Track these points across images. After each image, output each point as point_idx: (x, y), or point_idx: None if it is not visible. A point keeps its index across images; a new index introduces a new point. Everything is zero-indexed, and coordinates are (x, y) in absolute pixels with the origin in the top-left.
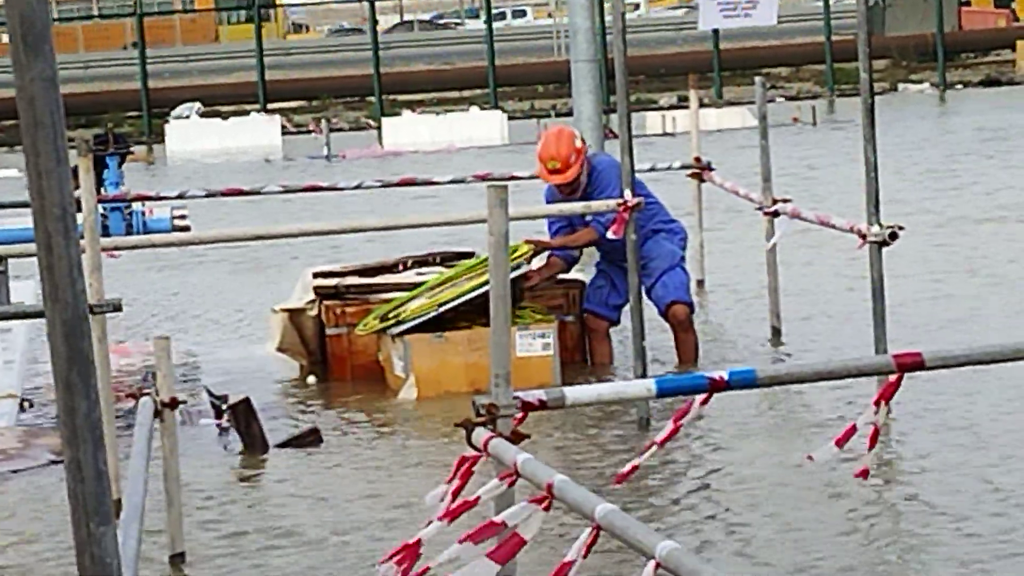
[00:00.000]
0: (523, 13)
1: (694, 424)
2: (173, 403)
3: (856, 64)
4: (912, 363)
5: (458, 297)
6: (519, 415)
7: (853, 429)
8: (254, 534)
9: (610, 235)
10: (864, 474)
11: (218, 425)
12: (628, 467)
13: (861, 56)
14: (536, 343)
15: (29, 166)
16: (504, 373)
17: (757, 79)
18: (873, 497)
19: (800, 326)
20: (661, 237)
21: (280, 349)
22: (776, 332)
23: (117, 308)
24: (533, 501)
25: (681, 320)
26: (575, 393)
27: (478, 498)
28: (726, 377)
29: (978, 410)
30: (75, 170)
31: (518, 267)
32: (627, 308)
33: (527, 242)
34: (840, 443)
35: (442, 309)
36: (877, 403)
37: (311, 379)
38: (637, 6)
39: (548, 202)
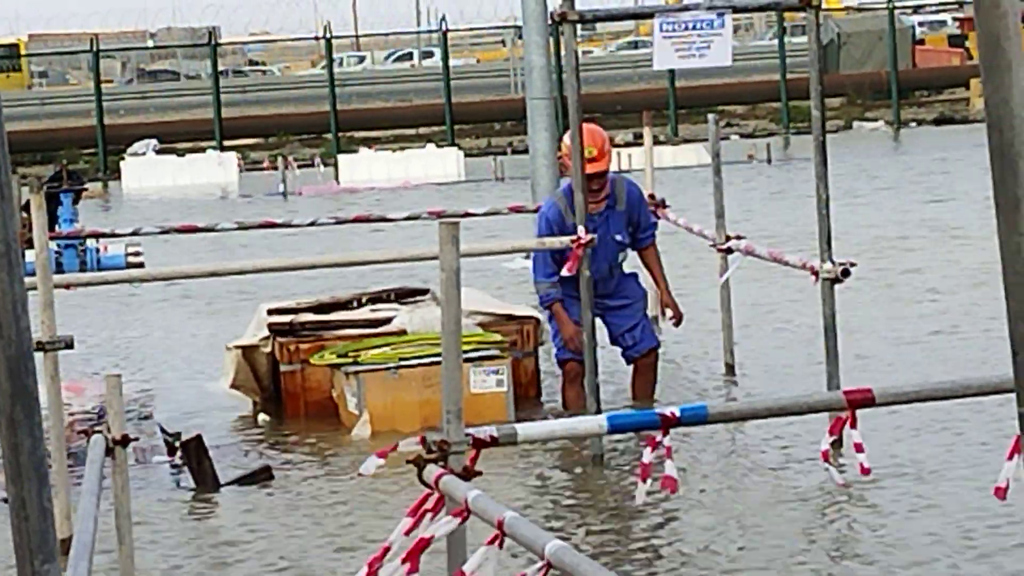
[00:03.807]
0: (430, 54)
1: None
2: (124, 441)
3: (811, 102)
4: (863, 400)
5: (420, 357)
6: (471, 452)
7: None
8: (204, 572)
9: (564, 272)
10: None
11: (171, 462)
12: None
13: (813, 95)
14: (490, 379)
15: None
16: (456, 410)
17: (710, 116)
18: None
19: (754, 362)
20: (639, 277)
21: (234, 386)
22: (730, 368)
23: (69, 345)
24: (488, 543)
25: (653, 362)
26: (527, 430)
27: (432, 537)
28: (678, 413)
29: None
30: (26, 205)
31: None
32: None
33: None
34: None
35: (401, 364)
36: (832, 433)
37: (263, 417)
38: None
39: (551, 219)
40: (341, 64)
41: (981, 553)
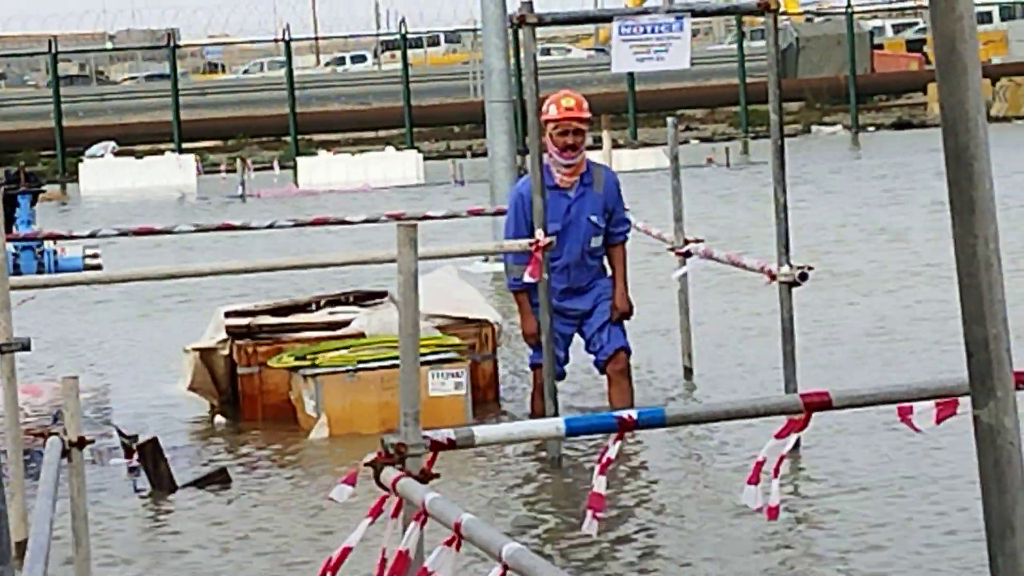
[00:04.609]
0: (363, 58)
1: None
2: (81, 443)
3: (769, 107)
4: (819, 402)
5: (378, 359)
6: (429, 454)
7: (759, 465)
8: (160, 574)
9: (527, 278)
10: (772, 513)
11: (128, 464)
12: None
13: (772, 100)
14: (448, 382)
15: None
16: (413, 412)
17: (669, 120)
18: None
19: (712, 365)
20: (609, 279)
21: (191, 388)
22: (688, 371)
23: (26, 347)
24: (445, 543)
25: (623, 367)
26: (484, 432)
27: (407, 551)
28: (635, 416)
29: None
30: None
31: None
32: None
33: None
34: (752, 480)
35: (359, 367)
36: (779, 436)
37: (220, 419)
38: (548, 51)
39: (524, 194)
40: (344, 63)
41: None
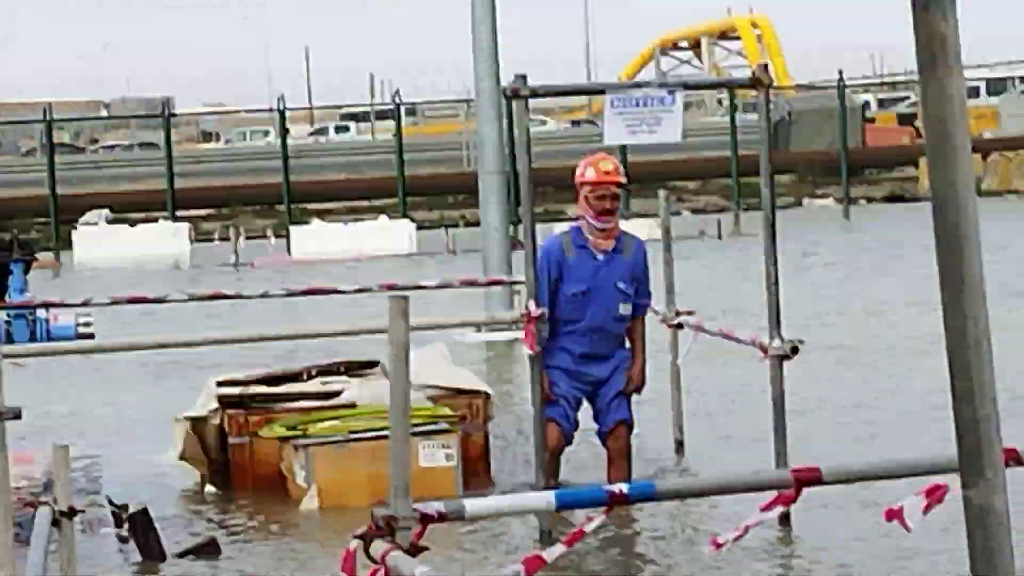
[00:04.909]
0: (346, 128)
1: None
2: (71, 512)
3: (760, 181)
4: (810, 478)
5: (369, 430)
6: (418, 528)
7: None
8: None
9: (525, 349)
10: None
11: (118, 534)
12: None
13: (763, 175)
14: (439, 454)
15: None
16: (403, 485)
17: (661, 192)
18: None
19: (703, 438)
20: (627, 351)
21: (182, 457)
22: (679, 444)
23: (17, 416)
24: None
25: (623, 445)
26: (475, 505)
27: None
28: (626, 490)
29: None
30: None
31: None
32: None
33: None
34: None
35: (352, 437)
36: (765, 509)
37: (210, 489)
38: (544, 122)
39: (550, 251)
40: (326, 133)
41: None
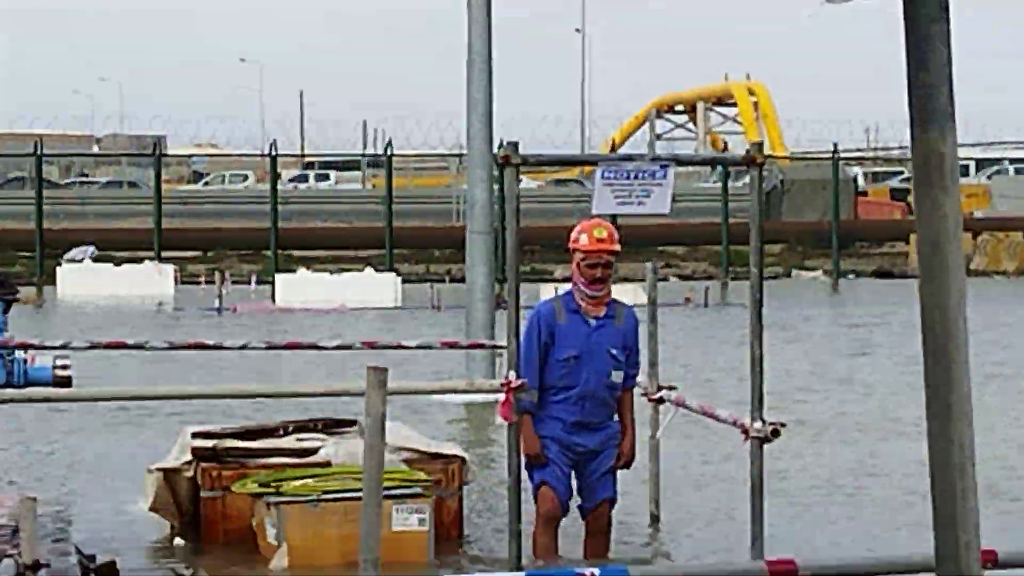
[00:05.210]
0: (326, 177)
1: None
2: (36, 566)
3: (750, 260)
4: (784, 571)
5: (343, 491)
6: None
7: None
8: None
9: (499, 419)
10: None
11: None
12: None
13: (752, 254)
14: (412, 518)
15: None
16: (373, 558)
17: (648, 265)
18: None
19: (679, 512)
20: (618, 424)
21: (153, 508)
22: (655, 518)
23: None
24: None
25: (604, 524)
26: None
27: None
28: (597, 573)
29: None
30: None
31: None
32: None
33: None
34: None
35: (324, 497)
36: None
37: (179, 541)
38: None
39: (543, 314)
40: (307, 180)
41: None
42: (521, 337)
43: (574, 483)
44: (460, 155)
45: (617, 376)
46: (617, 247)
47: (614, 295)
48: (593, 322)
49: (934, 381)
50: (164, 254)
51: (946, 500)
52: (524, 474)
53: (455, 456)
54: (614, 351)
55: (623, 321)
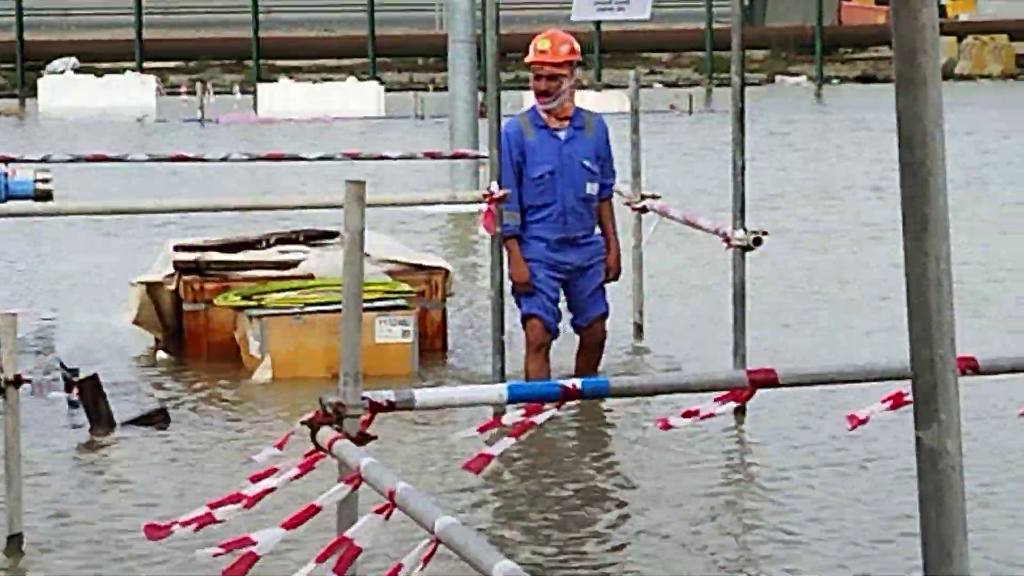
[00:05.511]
0: None
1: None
2: (18, 381)
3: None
4: (765, 380)
5: (326, 303)
6: (366, 416)
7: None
8: (93, 512)
9: (481, 231)
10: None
11: (68, 399)
12: (477, 455)
13: (734, 61)
14: (395, 330)
15: None
16: (353, 372)
17: (631, 73)
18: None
19: (662, 322)
20: (600, 237)
21: (136, 322)
22: (638, 328)
23: None
24: (376, 511)
25: (599, 340)
26: (425, 395)
27: (319, 507)
28: (579, 386)
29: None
30: None
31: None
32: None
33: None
34: (685, 415)
35: (307, 309)
36: (719, 400)
37: (162, 355)
38: None
39: (510, 135)
40: None
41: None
42: None
43: (563, 304)
44: None
45: (591, 188)
46: (564, 59)
47: (597, 102)
48: (563, 135)
49: (910, 195)
50: (146, 64)
51: (921, 315)
52: (508, 286)
53: (438, 267)
54: (587, 163)
55: (593, 131)
